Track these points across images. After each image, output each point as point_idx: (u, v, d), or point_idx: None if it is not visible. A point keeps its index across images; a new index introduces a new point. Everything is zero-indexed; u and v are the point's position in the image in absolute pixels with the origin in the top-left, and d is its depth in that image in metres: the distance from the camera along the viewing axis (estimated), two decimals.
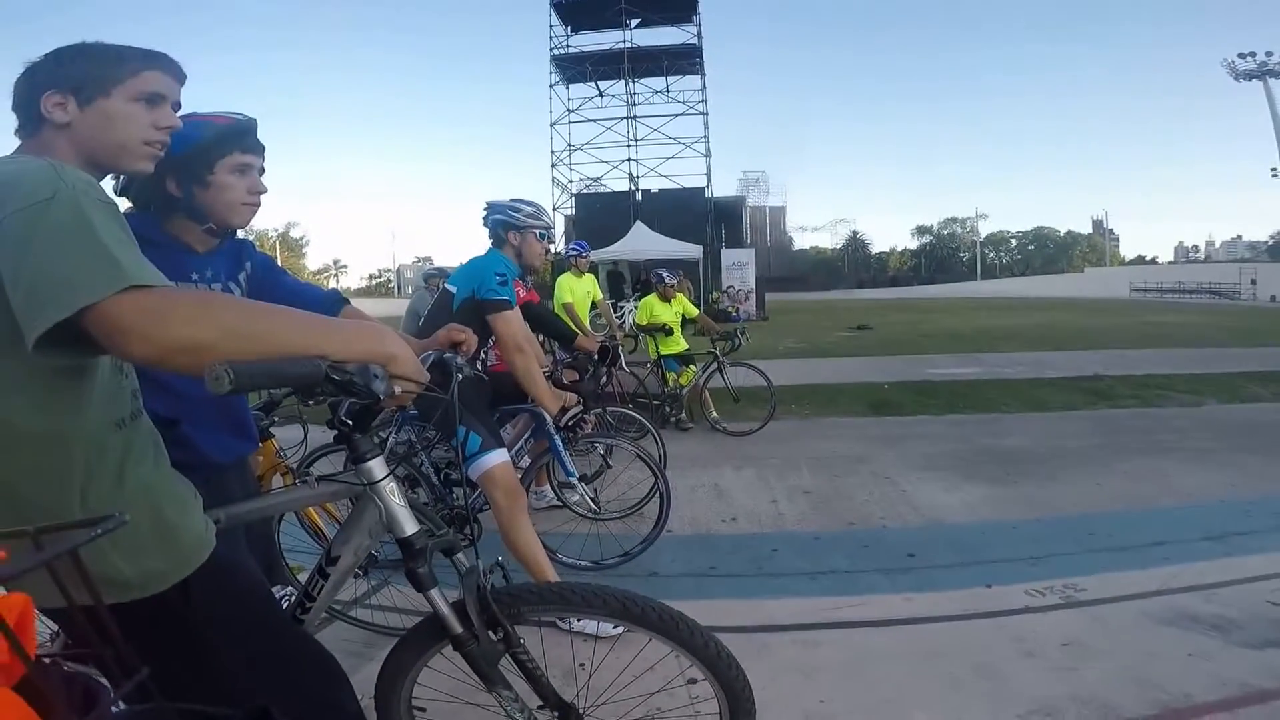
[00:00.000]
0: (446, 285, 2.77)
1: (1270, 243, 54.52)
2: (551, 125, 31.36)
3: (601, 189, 32.47)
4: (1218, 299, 39.11)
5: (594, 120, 32.08)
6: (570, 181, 32.31)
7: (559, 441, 3.05)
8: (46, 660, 0.65)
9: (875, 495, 4.17)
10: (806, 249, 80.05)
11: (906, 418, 6.48)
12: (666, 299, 6.26)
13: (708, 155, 30.34)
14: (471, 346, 1.57)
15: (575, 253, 5.94)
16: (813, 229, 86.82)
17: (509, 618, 1.21)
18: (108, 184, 1.14)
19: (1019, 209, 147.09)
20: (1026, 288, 52.87)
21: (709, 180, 30.13)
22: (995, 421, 6.27)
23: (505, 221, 2.73)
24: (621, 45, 30.01)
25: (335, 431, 1.16)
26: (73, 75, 1.03)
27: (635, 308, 6.51)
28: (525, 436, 3.18)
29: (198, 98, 1.33)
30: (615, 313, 16.15)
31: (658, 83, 32.20)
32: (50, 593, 0.61)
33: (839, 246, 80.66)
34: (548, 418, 3.03)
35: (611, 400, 5.43)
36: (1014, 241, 78.53)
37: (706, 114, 30.55)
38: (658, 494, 3.16)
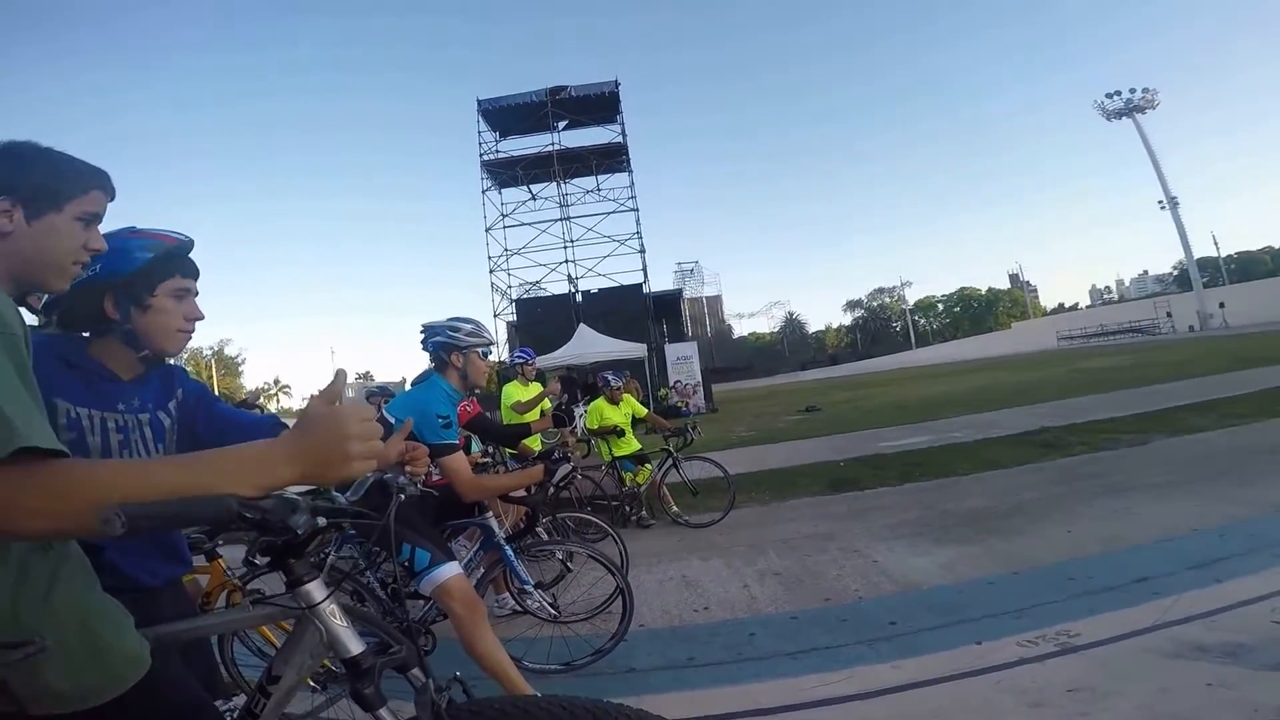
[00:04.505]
0: (385, 413, 2.72)
1: (1175, 273, 58.87)
2: (487, 231, 31.01)
3: (541, 293, 31.82)
4: (1140, 336, 42.22)
5: (529, 224, 31.84)
6: (509, 287, 31.70)
7: (510, 551, 3.02)
8: None
9: (847, 569, 4.10)
10: (746, 335, 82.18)
11: (866, 491, 6.48)
12: (614, 401, 6.29)
13: (642, 251, 30.09)
14: (422, 470, 1.53)
15: (521, 360, 5.95)
16: (749, 315, 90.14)
17: None
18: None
19: (940, 271, 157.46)
20: (961, 350, 55.46)
21: (645, 275, 29.75)
22: (953, 485, 6.32)
23: (446, 344, 2.73)
24: (550, 148, 30.27)
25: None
26: (28, 183, 0.98)
27: (584, 412, 6.53)
28: (475, 549, 3.10)
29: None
30: (570, 421, 15.91)
31: (588, 182, 32.38)
32: None
33: (776, 330, 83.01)
34: (496, 528, 3.02)
35: (568, 506, 5.33)
36: (940, 306, 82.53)
37: (637, 210, 30.48)
38: (620, 593, 3.09)
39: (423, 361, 2.89)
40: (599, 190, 32.39)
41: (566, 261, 30.54)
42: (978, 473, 6.70)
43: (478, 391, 3.13)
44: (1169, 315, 45.95)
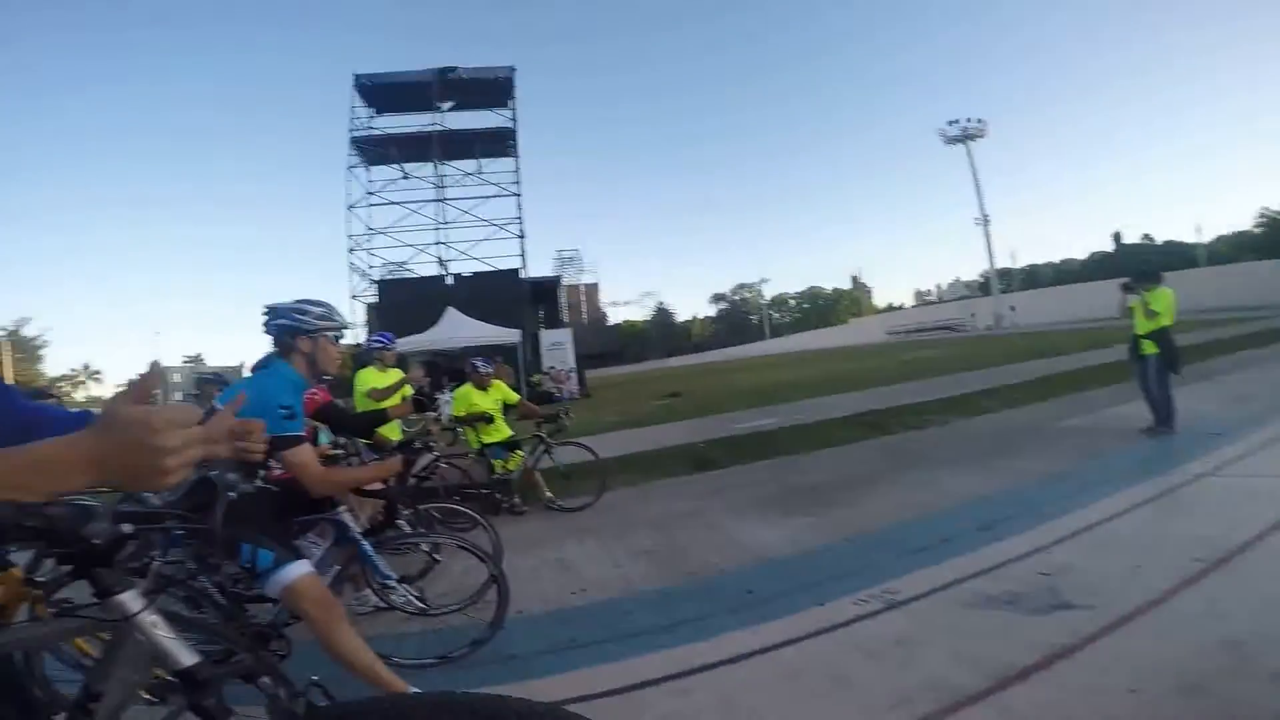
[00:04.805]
0: (217, 405, 2.45)
1: (981, 280, 67.55)
2: (349, 209, 29.01)
3: (408, 274, 30.33)
4: (950, 333, 48.77)
5: (398, 203, 29.99)
6: (371, 268, 29.85)
7: (367, 546, 2.85)
8: None
9: (709, 544, 4.37)
10: (620, 323, 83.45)
11: (723, 470, 6.93)
12: (483, 387, 6.14)
13: (522, 237, 29.11)
14: (257, 451, 1.40)
15: (380, 345, 5.58)
16: (624, 303, 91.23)
17: None
18: None
19: (795, 270, 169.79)
20: (808, 342, 60.74)
21: (524, 261, 29.00)
22: (797, 462, 6.92)
23: (292, 327, 2.49)
24: (432, 128, 28.80)
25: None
26: None
27: (450, 399, 6.28)
28: (328, 545, 2.90)
29: None
30: (432, 406, 15.29)
31: (469, 164, 30.73)
32: None
33: (648, 319, 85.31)
34: (351, 523, 2.84)
35: (433, 496, 5.15)
36: (793, 302, 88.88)
37: (520, 195, 29.38)
38: (493, 580, 3.04)
39: (265, 346, 2.62)
40: (480, 173, 30.81)
41: (438, 243, 29.07)
42: (817, 450, 7.39)
43: (328, 378, 2.89)
44: (973, 315, 53.25)
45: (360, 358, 7.20)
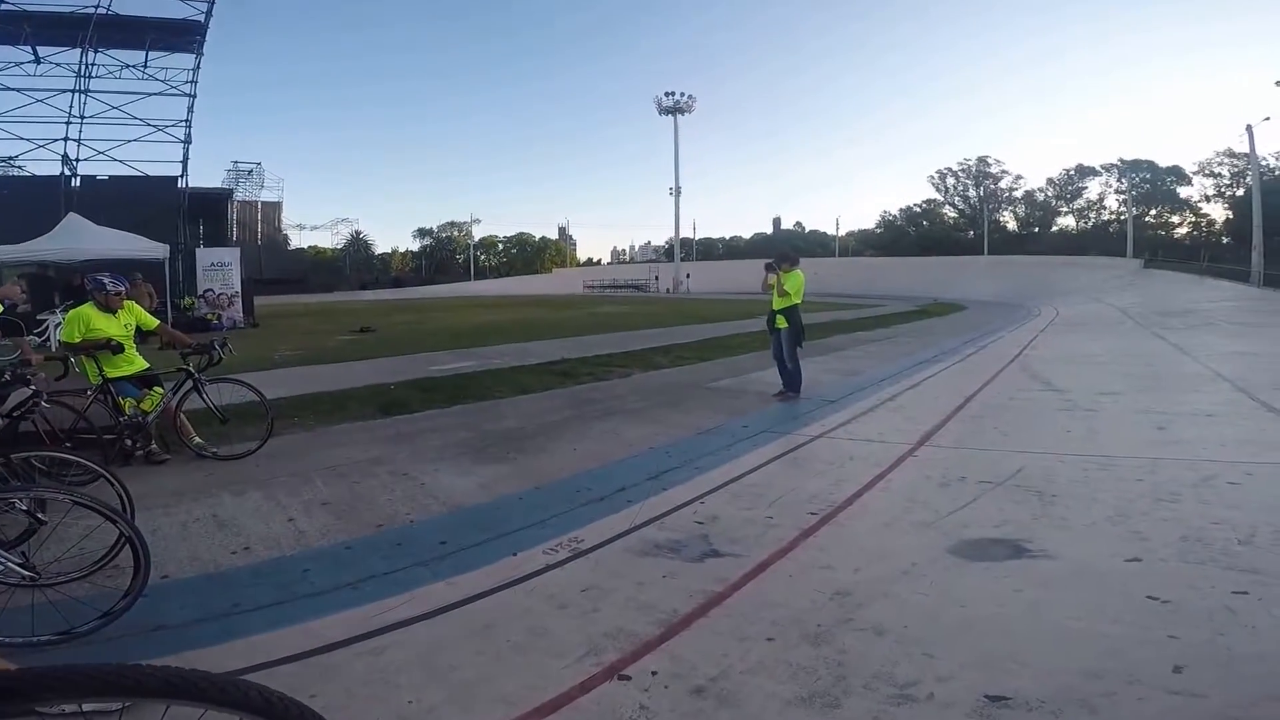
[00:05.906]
0: None
1: (667, 246, 75.83)
2: None
3: (16, 172, 25.72)
4: (636, 292, 55.53)
5: (17, 90, 24.46)
6: None
7: None
8: None
9: (398, 494, 4.22)
10: (305, 248, 73.98)
11: (416, 414, 6.68)
12: (110, 309, 4.98)
13: (187, 141, 25.66)
14: None
15: None
16: (312, 227, 79.96)
17: None
18: None
19: (505, 215, 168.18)
20: (511, 286, 62.05)
21: (185, 169, 25.70)
22: (493, 408, 7.02)
23: None
24: (93, 10, 23.67)
25: None
26: None
27: (61, 321, 4.94)
28: None
29: None
30: (38, 328, 12.07)
31: (134, 56, 25.95)
32: None
33: (340, 247, 77.29)
34: None
35: (34, 442, 4.11)
36: (501, 246, 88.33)
37: (194, 96, 25.93)
38: (125, 541, 2.61)
39: None
40: (145, 66, 25.87)
41: (65, 140, 24.08)
42: (512, 396, 7.59)
43: None
44: (656, 278, 60.77)
45: None
